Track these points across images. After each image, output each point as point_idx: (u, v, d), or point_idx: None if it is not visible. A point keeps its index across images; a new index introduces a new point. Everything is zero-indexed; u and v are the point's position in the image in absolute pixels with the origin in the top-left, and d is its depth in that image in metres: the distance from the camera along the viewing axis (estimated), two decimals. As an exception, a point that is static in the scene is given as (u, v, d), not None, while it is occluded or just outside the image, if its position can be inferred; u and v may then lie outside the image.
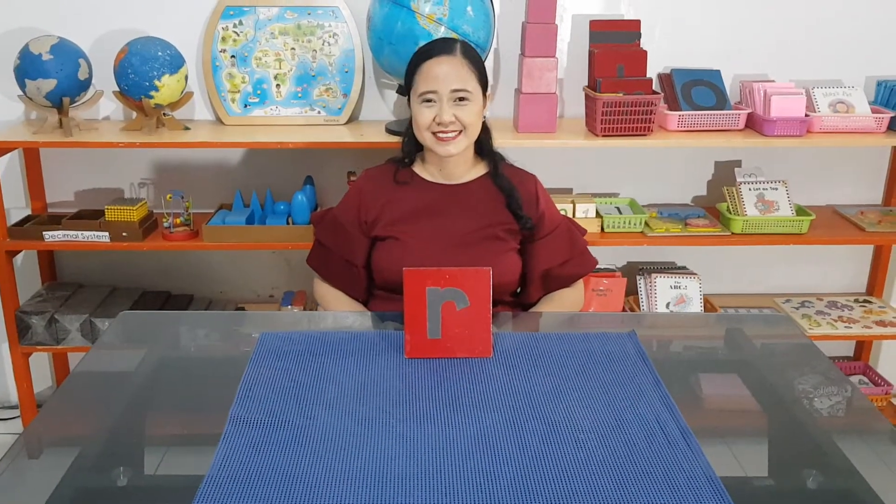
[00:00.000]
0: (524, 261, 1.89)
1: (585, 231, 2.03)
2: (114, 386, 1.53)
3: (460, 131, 1.77)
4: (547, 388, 1.40)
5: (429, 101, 1.76)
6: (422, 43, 2.22)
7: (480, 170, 1.90)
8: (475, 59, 1.80)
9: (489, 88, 1.87)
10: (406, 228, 1.82)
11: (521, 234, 1.87)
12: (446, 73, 1.74)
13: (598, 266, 2.74)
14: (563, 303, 1.92)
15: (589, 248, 2.00)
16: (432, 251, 1.79)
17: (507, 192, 1.85)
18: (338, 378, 1.43)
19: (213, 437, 1.25)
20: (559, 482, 1.14)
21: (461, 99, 1.75)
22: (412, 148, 1.89)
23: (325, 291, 1.95)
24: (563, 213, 2.04)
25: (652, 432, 1.27)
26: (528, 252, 1.89)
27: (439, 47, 1.79)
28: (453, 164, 1.84)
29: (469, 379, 1.44)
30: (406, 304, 1.48)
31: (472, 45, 2.27)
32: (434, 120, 1.75)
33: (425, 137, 1.79)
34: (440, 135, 1.76)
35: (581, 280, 1.98)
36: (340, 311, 1.86)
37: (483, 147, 1.89)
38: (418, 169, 1.89)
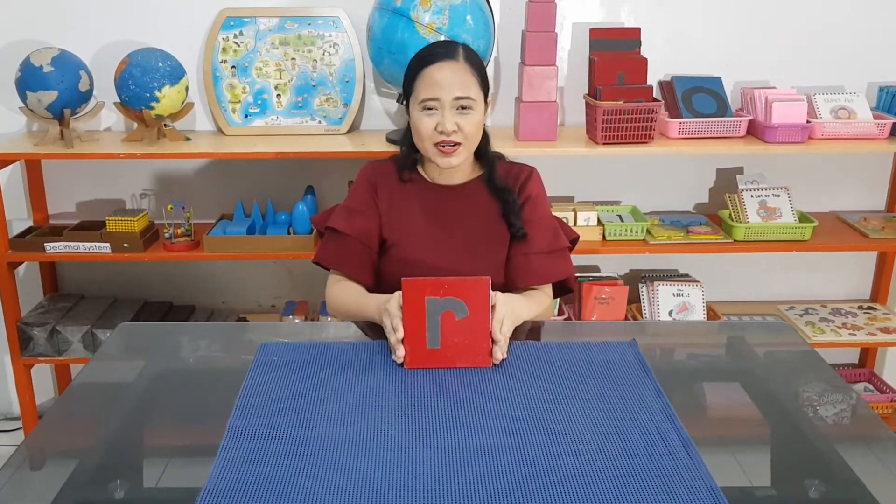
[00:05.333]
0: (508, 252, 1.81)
1: (577, 237, 1.94)
2: (113, 397, 1.52)
3: (461, 143, 1.72)
4: (547, 398, 1.39)
5: (430, 108, 1.70)
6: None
7: (478, 171, 1.86)
8: (478, 65, 1.75)
9: (489, 95, 1.84)
10: (410, 231, 1.80)
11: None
12: (449, 80, 1.69)
13: (599, 274, 2.75)
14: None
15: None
16: (435, 255, 1.78)
17: (501, 198, 1.81)
18: (336, 388, 1.42)
19: (213, 448, 1.24)
20: (559, 492, 1.13)
21: (463, 107, 1.70)
22: (410, 152, 1.84)
23: (342, 290, 1.78)
24: (564, 220, 2.01)
25: (652, 442, 1.26)
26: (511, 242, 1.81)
27: (441, 52, 1.72)
28: (453, 170, 1.82)
29: (469, 389, 1.43)
30: (405, 314, 1.47)
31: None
32: (436, 129, 1.70)
33: (426, 148, 1.74)
34: (442, 146, 1.72)
35: (549, 287, 1.84)
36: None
37: (480, 151, 1.85)
38: (419, 169, 1.87)
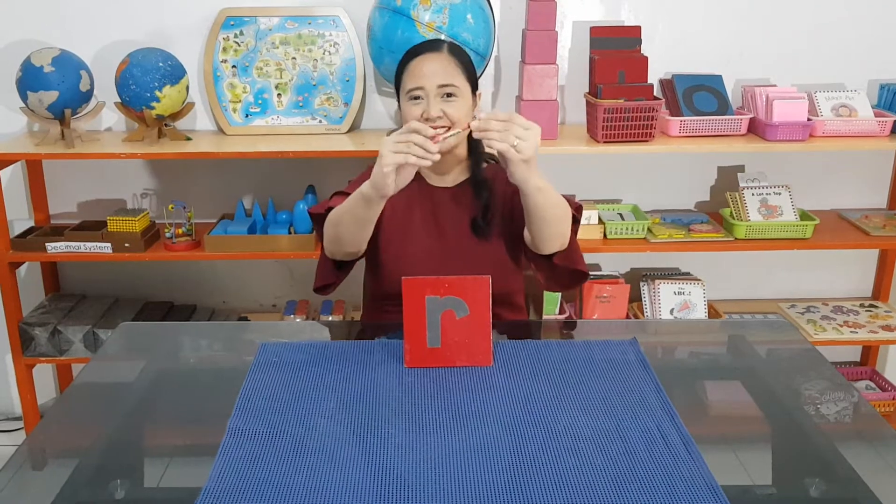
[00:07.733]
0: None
1: (580, 206, 1.92)
2: (113, 397, 1.53)
3: (448, 127, 1.71)
4: (547, 397, 1.39)
5: (416, 97, 1.74)
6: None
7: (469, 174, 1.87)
8: (462, 57, 1.79)
9: (479, 88, 1.82)
10: (405, 231, 1.80)
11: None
12: (433, 70, 1.73)
13: (601, 273, 2.75)
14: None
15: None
16: (430, 255, 1.78)
17: (482, 198, 1.80)
18: (337, 388, 1.42)
19: (213, 448, 1.24)
20: (559, 491, 1.13)
21: (448, 95, 1.73)
22: None
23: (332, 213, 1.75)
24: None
25: (653, 440, 1.26)
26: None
27: (426, 46, 1.79)
28: (445, 165, 1.80)
29: (469, 388, 1.43)
30: (405, 313, 1.47)
31: (472, 52, 2.28)
32: (422, 116, 1.72)
33: None
34: None
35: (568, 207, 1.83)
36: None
37: (472, 151, 1.84)
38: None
